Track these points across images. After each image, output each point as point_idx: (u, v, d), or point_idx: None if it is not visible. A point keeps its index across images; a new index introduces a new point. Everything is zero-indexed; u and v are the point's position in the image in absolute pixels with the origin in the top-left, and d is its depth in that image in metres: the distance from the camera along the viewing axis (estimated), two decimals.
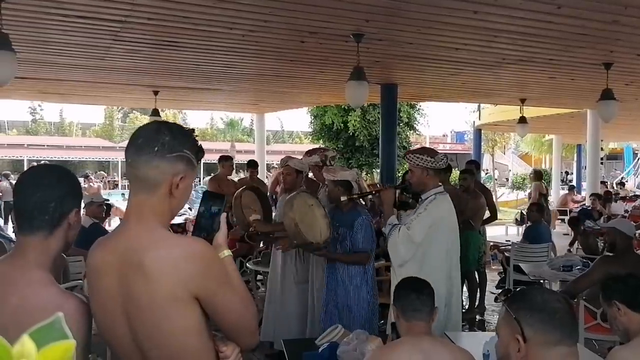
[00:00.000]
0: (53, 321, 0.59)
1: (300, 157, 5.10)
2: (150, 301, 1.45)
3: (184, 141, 1.49)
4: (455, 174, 10.18)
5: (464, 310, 7.01)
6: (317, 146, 17.60)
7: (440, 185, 3.79)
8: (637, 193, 18.08)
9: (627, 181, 22.48)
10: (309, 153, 5.06)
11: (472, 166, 7.60)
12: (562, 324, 1.60)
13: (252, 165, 8.87)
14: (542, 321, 1.59)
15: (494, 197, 10.11)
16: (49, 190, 1.49)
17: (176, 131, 1.50)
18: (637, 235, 8.13)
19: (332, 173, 4.26)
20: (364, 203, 5.07)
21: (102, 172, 31.37)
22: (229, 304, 1.54)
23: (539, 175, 11.72)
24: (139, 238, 1.48)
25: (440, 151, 3.99)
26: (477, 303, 6.95)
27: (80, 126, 47.69)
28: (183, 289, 1.44)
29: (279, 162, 5.45)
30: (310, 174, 5.18)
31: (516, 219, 12.51)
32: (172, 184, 1.49)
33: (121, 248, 1.50)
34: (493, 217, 7.30)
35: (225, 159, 8.31)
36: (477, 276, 6.97)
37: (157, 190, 1.48)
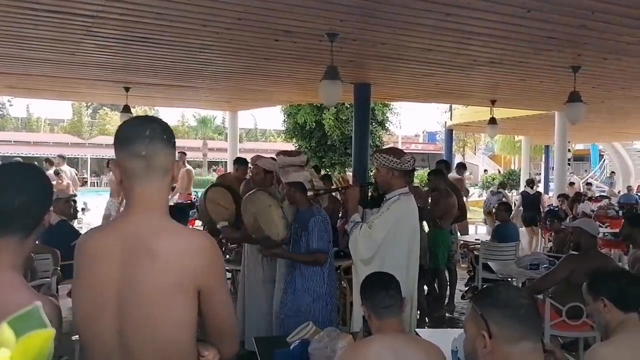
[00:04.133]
0: (31, 310, 0.59)
1: (273, 155, 5.11)
2: (153, 288, 1.45)
3: (171, 129, 1.58)
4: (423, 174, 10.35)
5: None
6: (289, 145, 17.58)
7: (406, 187, 3.82)
8: (602, 194, 18.49)
9: (592, 183, 22.97)
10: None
11: (442, 166, 7.73)
12: (526, 319, 1.63)
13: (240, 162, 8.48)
14: (506, 317, 1.62)
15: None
16: (32, 194, 1.44)
17: (161, 121, 1.58)
18: (602, 234, 8.36)
19: (285, 176, 4.30)
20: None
21: (72, 169, 30.71)
22: (222, 305, 1.58)
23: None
24: (147, 224, 1.50)
25: (412, 151, 4.04)
26: (446, 301, 7.05)
27: (48, 122, 46.71)
28: (190, 280, 1.47)
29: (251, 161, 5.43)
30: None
31: (485, 219, 12.70)
32: (176, 168, 1.58)
33: (126, 234, 1.50)
34: (463, 216, 7.42)
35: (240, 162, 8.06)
36: (447, 274, 7.07)
37: (168, 175, 1.55)
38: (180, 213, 7.24)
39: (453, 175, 11.35)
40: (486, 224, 12.34)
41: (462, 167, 11.87)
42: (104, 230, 1.58)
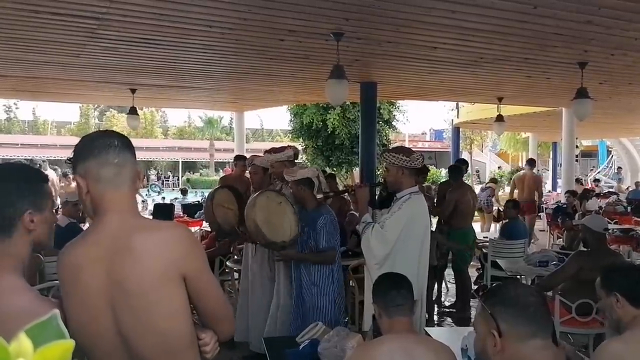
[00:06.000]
0: (48, 319, 0.58)
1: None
2: (141, 284, 1.49)
3: (131, 142, 1.68)
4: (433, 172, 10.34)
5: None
6: (296, 145, 17.55)
7: (416, 185, 3.80)
8: (610, 190, 18.39)
9: (600, 180, 22.84)
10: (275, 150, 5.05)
11: (461, 163, 7.81)
12: (536, 317, 1.63)
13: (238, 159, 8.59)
14: (516, 315, 1.62)
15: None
16: None
17: (122, 134, 1.68)
18: (611, 231, 8.30)
19: (292, 173, 4.25)
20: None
21: None
22: (211, 288, 1.64)
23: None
24: (123, 226, 1.55)
25: (419, 149, 4.03)
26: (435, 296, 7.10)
27: (55, 124, 46.96)
28: (173, 268, 1.52)
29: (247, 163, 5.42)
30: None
31: (494, 216, 12.65)
32: (138, 179, 1.63)
33: (105, 240, 1.54)
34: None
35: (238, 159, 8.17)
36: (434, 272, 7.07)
37: (135, 182, 1.62)
38: (162, 212, 7.33)
39: (530, 172, 11.33)
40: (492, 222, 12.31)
41: (532, 162, 11.82)
42: (81, 241, 1.61)
